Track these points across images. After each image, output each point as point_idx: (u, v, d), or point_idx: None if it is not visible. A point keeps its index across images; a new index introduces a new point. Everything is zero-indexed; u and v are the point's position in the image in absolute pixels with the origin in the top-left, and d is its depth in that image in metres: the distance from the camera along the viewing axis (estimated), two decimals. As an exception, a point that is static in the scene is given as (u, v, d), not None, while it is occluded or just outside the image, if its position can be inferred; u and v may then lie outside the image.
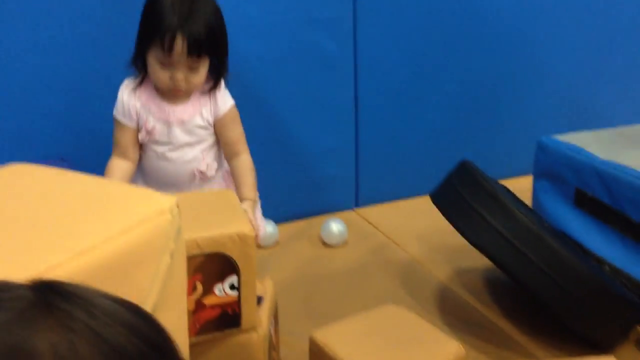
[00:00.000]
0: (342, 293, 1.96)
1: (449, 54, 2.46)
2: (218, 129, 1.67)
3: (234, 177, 1.73)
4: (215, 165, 1.72)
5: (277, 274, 2.06)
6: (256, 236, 1.31)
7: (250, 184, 1.70)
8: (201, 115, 1.63)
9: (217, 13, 1.57)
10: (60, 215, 0.78)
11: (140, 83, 1.63)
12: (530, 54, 2.58)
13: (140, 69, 1.60)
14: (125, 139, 1.64)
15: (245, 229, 1.26)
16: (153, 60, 1.55)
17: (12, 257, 0.70)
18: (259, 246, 1.75)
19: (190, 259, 1.16)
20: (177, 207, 0.81)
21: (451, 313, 1.85)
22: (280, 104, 2.27)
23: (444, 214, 1.71)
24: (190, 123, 1.63)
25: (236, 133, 1.69)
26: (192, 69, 1.55)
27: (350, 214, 2.46)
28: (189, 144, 1.65)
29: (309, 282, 2.03)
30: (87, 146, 1.97)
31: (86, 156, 1.96)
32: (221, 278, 1.30)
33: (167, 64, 1.54)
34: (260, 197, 2.31)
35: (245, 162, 1.70)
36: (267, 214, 2.29)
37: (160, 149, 1.64)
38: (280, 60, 2.22)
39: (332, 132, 2.38)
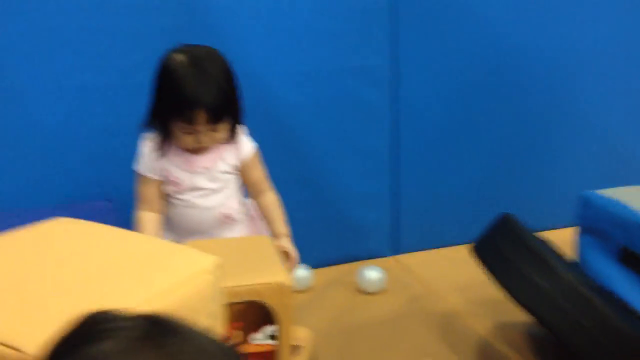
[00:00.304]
0: (378, 344, 1.93)
1: (490, 102, 2.44)
2: (244, 171, 1.72)
3: (264, 214, 1.77)
4: (240, 208, 1.73)
5: (312, 321, 2.04)
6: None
7: (281, 219, 1.76)
8: (224, 161, 1.66)
9: (228, 72, 1.60)
10: (102, 274, 0.78)
11: (163, 145, 1.65)
12: (572, 104, 2.55)
13: (160, 130, 1.62)
14: (150, 193, 1.66)
15: (284, 278, 1.26)
16: (175, 128, 1.58)
17: (55, 314, 0.70)
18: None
19: (228, 306, 1.16)
20: (220, 267, 0.81)
21: (490, 368, 1.81)
22: (318, 150, 2.28)
23: (485, 269, 1.69)
24: (214, 170, 1.65)
25: (260, 173, 1.74)
26: (214, 130, 1.59)
27: (388, 261, 2.44)
28: (214, 190, 1.67)
29: (344, 331, 2.01)
30: (131, 188, 1.99)
31: (130, 197, 1.99)
32: (259, 326, 1.30)
33: (190, 131, 1.57)
34: (296, 241, 2.31)
35: (272, 198, 1.76)
36: (303, 258, 2.29)
37: (186, 197, 1.66)
38: (319, 106, 2.24)
39: (369, 178, 2.38)
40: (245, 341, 1.33)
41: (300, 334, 1.52)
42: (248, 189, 1.77)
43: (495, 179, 2.53)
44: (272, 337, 1.31)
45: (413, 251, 2.50)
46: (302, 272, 2.23)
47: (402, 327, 2.02)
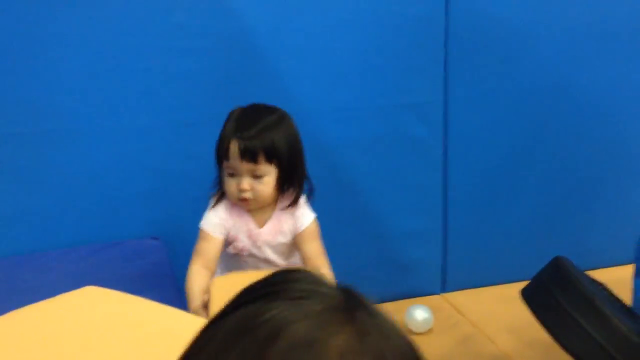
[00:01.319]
0: (425, 387, 1.89)
1: (541, 138, 2.40)
2: (298, 244, 1.68)
3: None
4: None
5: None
6: None
7: None
8: (283, 233, 1.65)
9: (284, 128, 1.60)
10: (124, 350, 0.78)
11: (219, 198, 1.65)
12: (627, 143, 2.48)
13: (218, 179, 1.64)
14: (211, 252, 1.65)
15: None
16: (224, 172, 1.59)
17: None
18: None
19: None
20: None
21: (541, 416, 1.75)
22: (368, 186, 2.27)
23: (535, 314, 1.64)
24: (275, 242, 1.65)
25: (315, 247, 1.68)
26: (256, 177, 1.57)
27: (436, 299, 2.40)
28: (280, 259, 1.69)
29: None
30: (177, 226, 2.02)
31: (176, 235, 2.01)
32: None
33: (232, 172, 1.57)
34: (342, 277, 2.28)
35: (323, 272, 1.67)
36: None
37: (251, 260, 1.68)
38: (370, 143, 2.24)
39: (419, 215, 2.35)
40: None
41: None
42: (303, 264, 1.71)
43: (546, 216, 2.48)
44: None
45: (462, 289, 2.45)
46: (425, 315, 2.20)
47: (449, 369, 1.98)
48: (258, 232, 1.64)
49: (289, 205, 1.64)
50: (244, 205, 1.61)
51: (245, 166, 1.55)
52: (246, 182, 1.56)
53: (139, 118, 2.00)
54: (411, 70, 2.22)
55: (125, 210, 2.03)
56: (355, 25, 2.14)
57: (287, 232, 1.64)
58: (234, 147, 1.54)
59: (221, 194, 1.65)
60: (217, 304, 0.83)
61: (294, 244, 1.70)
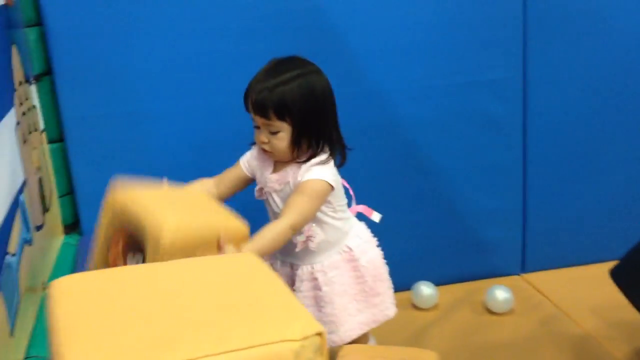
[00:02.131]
0: (507, 367, 1.87)
1: (623, 116, 2.31)
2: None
3: None
4: (317, 237, 1.63)
5: (437, 341, 2.00)
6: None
7: (258, 236, 1.50)
8: (287, 184, 1.62)
9: (303, 87, 1.56)
10: (208, 314, 0.81)
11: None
12: None
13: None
14: (230, 174, 1.70)
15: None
16: None
17: (157, 343, 0.74)
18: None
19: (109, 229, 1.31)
20: (320, 335, 0.79)
21: (630, 399, 1.70)
22: (445, 166, 2.24)
23: (626, 295, 1.59)
24: (282, 192, 1.63)
25: (295, 199, 1.55)
26: (271, 132, 1.57)
27: (516, 280, 2.35)
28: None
29: (470, 351, 1.96)
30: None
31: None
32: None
33: (255, 123, 1.60)
34: (421, 258, 2.28)
35: (275, 224, 1.54)
36: (428, 275, 2.26)
37: (269, 209, 1.68)
38: (447, 122, 2.20)
39: (499, 194, 2.31)
40: (125, 263, 1.35)
41: (426, 357, 1.48)
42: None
43: (629, 194, 2.39)
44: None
45: (542, 270, 2.40)
46: (427, 290, 2.19)
47: (531, 350, 1.95)
48: (268, 177, 1.64)
49: (302, 161, 1.61)
50: (267, 154, 1.64)
51: (260, 120, 1.57)
52: (264, 135, 1.58)
53: (212, 100, 2.03)
54: (489, 45, 2.17)
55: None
56: (430, 0, 2.11)
57: (292, 183, 1.62)
58: (250, 101, 1.58)
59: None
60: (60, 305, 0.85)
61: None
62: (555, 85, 2.25)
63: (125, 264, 1.37)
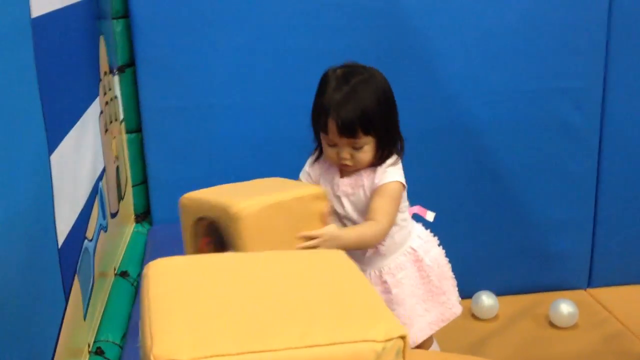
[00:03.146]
0: (569, 383, 1.84)
1: None
2: (370, 198, 1.59)
3: None
4: (388, 239, 1.61)
5: (496, 352, 1.98)
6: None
7: (355, 229, 1.56)
8: (362, 187, 1.61)
9: (377, 96, 1.54)
10: (293, 307, 0.82)
11: (318, 157, 1.66)
12: None
13: (316, 141, 1.64)
14: None
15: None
16: (322, 139, 1.59)
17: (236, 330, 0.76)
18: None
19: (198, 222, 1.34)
20: (403, 338, 0.79)
21: None
22: (517, 172, 2.21)
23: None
24: (354, 196, 1.62)
25: (380, 203, 1.55)
26: (355, 148, 1.55)
27: (581, 294, 2.31)
28: (361, 218, 1.61)
29: (532, 365, 1.93)
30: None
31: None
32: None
33: (331, 143, 1.57)
34: (484, 266, 2.26)
35: (370, 223, 1.55)
36: (491, 284, 2.23)
37: (335, 219, 1.64)
38: (521, 127, 2.17)
39: (569, 205, 2.26)
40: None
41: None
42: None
43: None
44: None
45: (609, 285, 2.35)
46: (488, 300, 2.17)
47: (595, 367, 1.91)
48: (339, 181, 1.62)
49: (376, 163, 1.60)
50: (346, 168, 1.61)
51: (345, 140, 1.55)
52: (346, 152, 1.56)
53: (284, 97, 2.06)
54: (569, 52, 2.13)
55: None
56: (512, 4, 2.08)
57: (367, 187, 1.60)
58: (332, 124, 1.53)
59: (319, 153, 1.65)
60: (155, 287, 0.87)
61: None
62: (635, 97, 2.20)
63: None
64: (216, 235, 1.37)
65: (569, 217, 2.27)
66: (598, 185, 2.28)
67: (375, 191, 1.57)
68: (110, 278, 1.75)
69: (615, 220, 2.31)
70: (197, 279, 0.89)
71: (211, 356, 0.72)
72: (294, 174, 2.08)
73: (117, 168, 1.89)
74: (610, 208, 2.30)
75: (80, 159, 1.45)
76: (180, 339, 0.75)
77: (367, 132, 1.53)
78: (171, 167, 2.07)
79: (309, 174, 1.67)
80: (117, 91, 1.97)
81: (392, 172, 1.58)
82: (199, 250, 1.42)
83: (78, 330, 1.36)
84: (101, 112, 1.69)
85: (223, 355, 0.73)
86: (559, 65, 2.14)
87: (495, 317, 2.18)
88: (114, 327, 1.58)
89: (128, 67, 2.00)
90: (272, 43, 2.02)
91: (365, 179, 1.59)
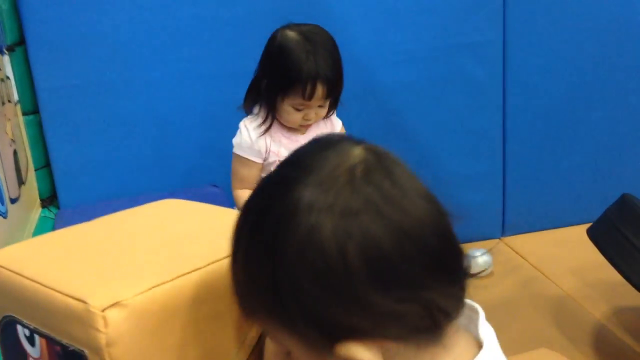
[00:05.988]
0: (487, 328, 1.88)
1: (603, 77, 2.32)
2: None
3: None
4: None
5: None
6: None
7: None
8: None
9: (336, 47, 1.60)
10: (184, 240, 0.80)
11: (268, 123, 1.64)
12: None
13: (267, 108, 1.62)
14: (252, 175, 1.66)
15: None
16: (286, 105, 1.58)
17: (131, 271, 0.73)
18: None
19: None
20: None
21: (608, 355, 1.73)
22: (425, 129, 2.24)
23: (602, 253, 1.61)
24: None
25: None
26: (322, 106, 1.59)
27: (496, 243, 2.37)
28: None
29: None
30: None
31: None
32: None
33: (303, 107, 1.57)
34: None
35: None
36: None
37: None
38: (426, 85, 2.20)
39: (478, 158, 2.32)
40: None
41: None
42: None
43: (607, 157, 2.41)
44: None
45: (522, 233, 2.42)
46: (485, 258, 2.17)
47: (511, 311, 1.97)
48: (304, 138, 1.62)
49: (327, 115, 1.66)
50: (303, 128, 1.63)
51: (320, 101, 1.57)
52: (313, 112, 1.58)
53: (188, 68, 2.01)
54: (468, 8, 2.16)
55: (185, 158, 2.06)
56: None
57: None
58: (319, 90, 1.54)
59: (269, 122, 1.63)
60: None
61: None
62: (536, 47, 2.24)
63: None
64: None
65: (479, 170, 2.32)
66: (505, 137, 2.33)
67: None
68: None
69: (524, 170, 2.37)
70: (57, 248, 0.83)
71: (149, 288, 0.68)
72: (205, 151, 2.06)
73: (15, 152, 1.81)
74: (518, 159, 2.36)
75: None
76: (102, 286, 0.69)
77: (339, 90, 1.59)
78: (75, 149, 2.00)
79: (259, 151, 1.64)
80: (9, 71, 1.88)
81: (337, 118, 1.70)
82: None
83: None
84: (-10, 94, 1.62)
85: (158, 285, 0.69)
86: (459, 21, 2.16)
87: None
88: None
89: (18, 45, 1.91)
90: (170, 13, 1.97)
91: (322, 129, 1.63)
